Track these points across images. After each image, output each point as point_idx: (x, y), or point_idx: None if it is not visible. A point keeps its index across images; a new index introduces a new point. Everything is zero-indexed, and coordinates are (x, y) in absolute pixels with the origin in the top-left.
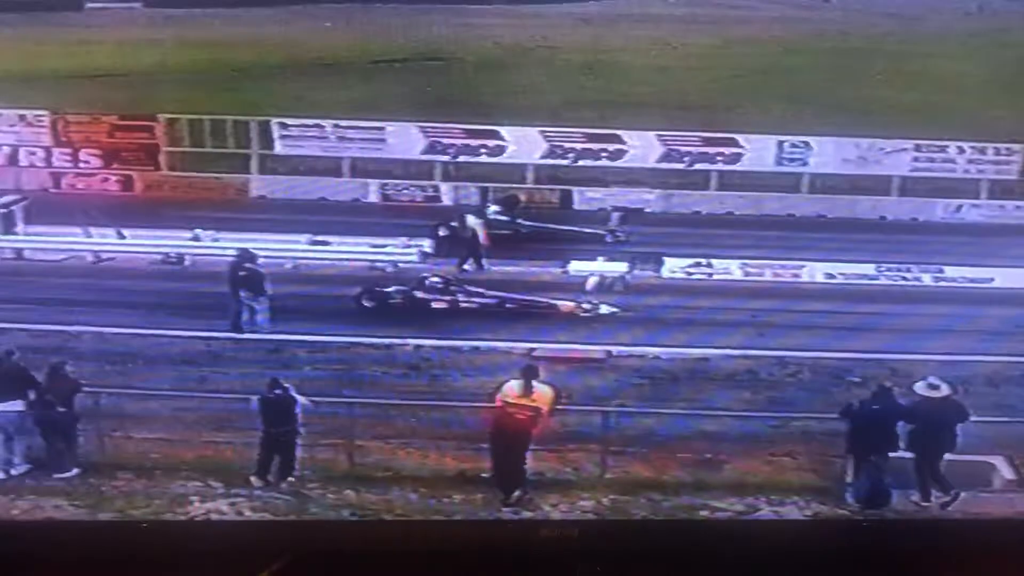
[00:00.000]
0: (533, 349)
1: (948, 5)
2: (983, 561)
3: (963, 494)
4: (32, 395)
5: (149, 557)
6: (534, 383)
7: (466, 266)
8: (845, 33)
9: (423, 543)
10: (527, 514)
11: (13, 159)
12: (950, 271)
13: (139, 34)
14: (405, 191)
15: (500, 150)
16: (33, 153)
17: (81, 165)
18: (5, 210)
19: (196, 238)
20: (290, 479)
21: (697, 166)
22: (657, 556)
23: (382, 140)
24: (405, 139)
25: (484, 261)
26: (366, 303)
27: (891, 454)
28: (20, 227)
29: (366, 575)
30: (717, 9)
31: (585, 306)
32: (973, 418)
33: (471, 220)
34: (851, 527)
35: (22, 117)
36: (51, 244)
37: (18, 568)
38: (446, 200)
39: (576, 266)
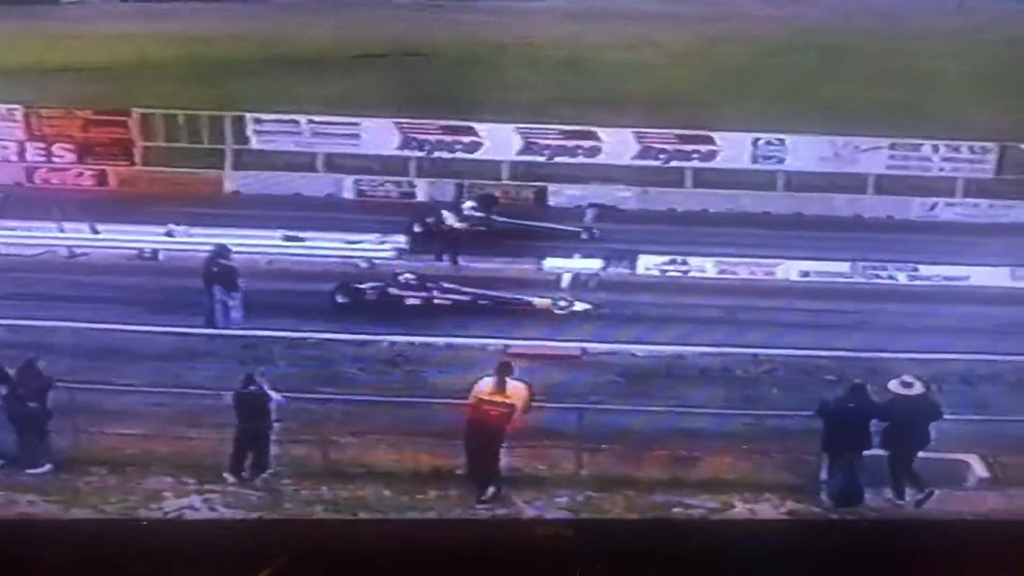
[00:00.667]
0: (508, 346)
1: (930, 4)
2: (959, 559)
3: (937, 492)
4: (4, 390)
5: (144, 556)
6: (508, 380)
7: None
8: (826, 32)
9: (416, 543)
10: (525, 514)
11: None
12: (925, 269)
13: (117, 29)
14: (380, 187)
15: (475, 146)
16: (6, 147)
17: (55, 160)
18: None
19: (170, 233)
20: (264, 475)
21: (673, 163)
22: (652, 556)
23: (357, 136)
24: (380, 135)
25: (459, 258)
26: (340, 299)
27: (865, 452)
28: None
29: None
30: (700, 7)
31: (561, 303)
32: (947, 416)
33: (448, 216)
34: (856, 528)
35: None
36: (25, 239)
37: (14, 567)
38: (421, 196)
39: (551, 263)
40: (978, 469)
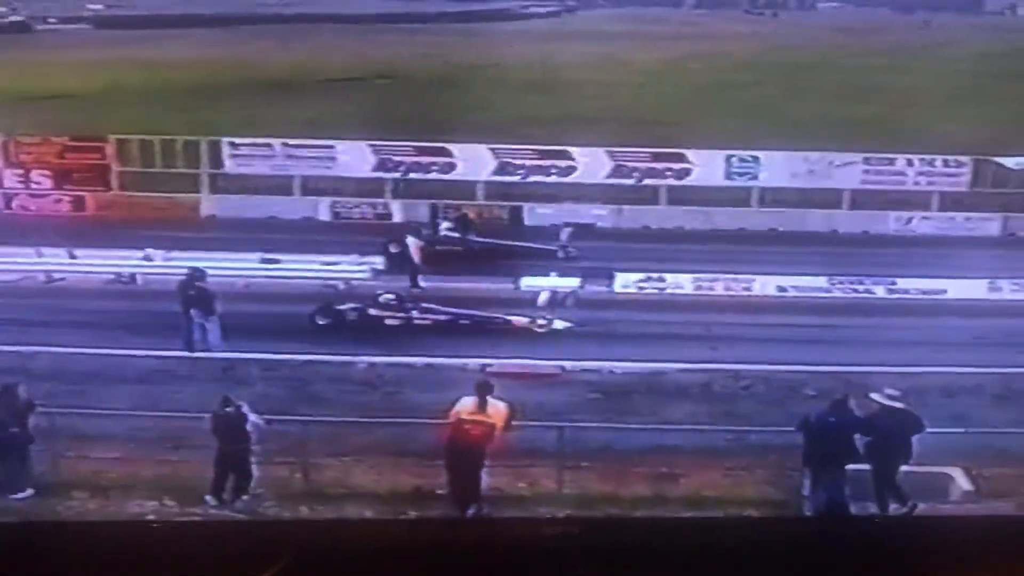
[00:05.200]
0: (487, 365)
1: (898, 20)
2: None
3: (920, 506)
4: None
5: (137, 558)
6: (488, 399)
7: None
8: (797, 48)
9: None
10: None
11: None
12: (903, 283)
13: (90, 56)
14: (356, 209)
15: (450, 167)
16: None
17: (33, 186)
18: None
19: (148, 257)
20: (244, 497)
21: (647, 182)
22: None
23: (332, 159)
24: (355, 157)
25: (420, 279)
26: (320, 321)
27: (848, 466)
28: None
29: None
30: (669, 26)
31: (540, 322)
32: (930, 429)
33: (410, 240)
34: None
35: None
36: (3, 265)
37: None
38: (397, 217)
39: (528, 282)
40: (962, 482)
